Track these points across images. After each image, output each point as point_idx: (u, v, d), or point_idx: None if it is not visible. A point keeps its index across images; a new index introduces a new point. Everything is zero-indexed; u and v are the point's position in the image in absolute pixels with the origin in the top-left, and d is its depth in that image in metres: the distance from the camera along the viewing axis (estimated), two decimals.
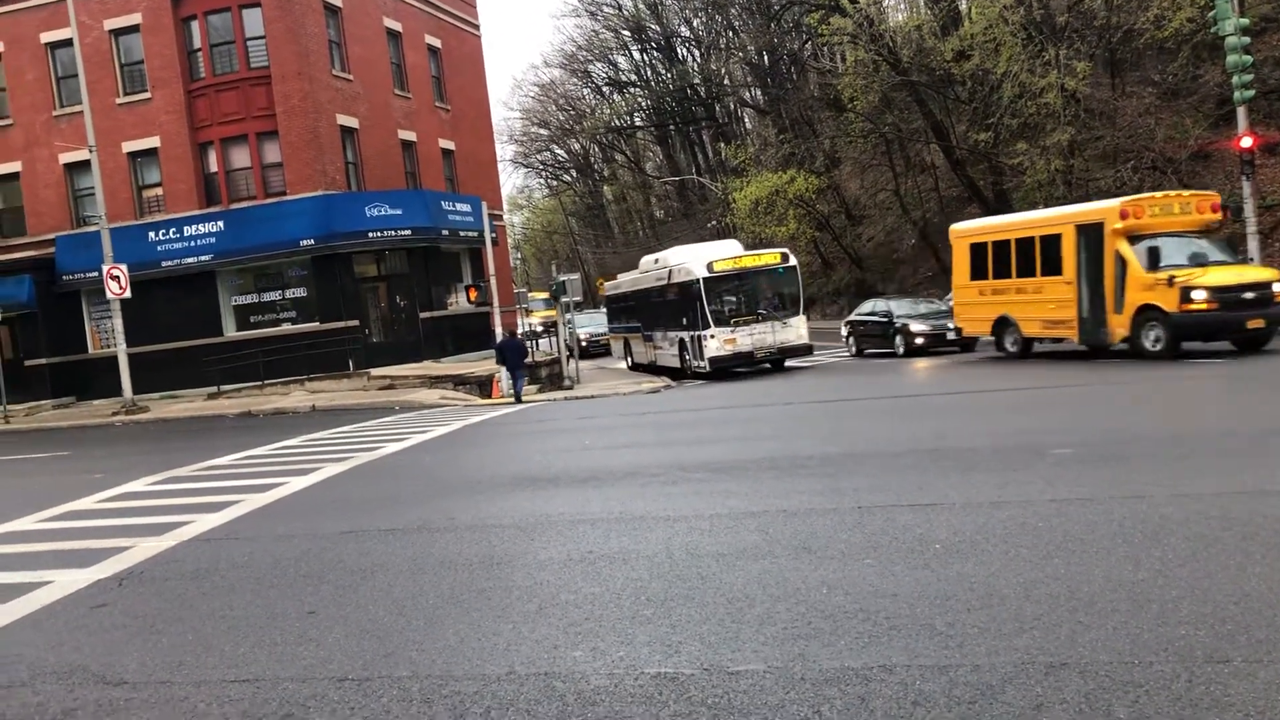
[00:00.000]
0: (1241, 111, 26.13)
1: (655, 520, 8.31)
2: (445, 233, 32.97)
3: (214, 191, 31.97)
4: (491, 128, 45.75)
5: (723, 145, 64.79)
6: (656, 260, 31.45)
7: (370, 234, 30.91)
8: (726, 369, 26.28)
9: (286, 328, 31.64)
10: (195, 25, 31.65)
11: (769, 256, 27.13)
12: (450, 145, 38.60)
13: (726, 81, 69.64)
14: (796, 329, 26.25)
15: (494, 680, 4.97)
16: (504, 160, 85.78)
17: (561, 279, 31.63)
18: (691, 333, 26.65)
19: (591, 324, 44.58)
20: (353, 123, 32.74)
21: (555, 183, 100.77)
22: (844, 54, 46.99)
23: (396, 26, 35.85)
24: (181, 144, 31.79)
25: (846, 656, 4.84)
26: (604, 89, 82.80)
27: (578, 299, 32.68)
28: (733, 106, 71.86)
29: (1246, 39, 26.06)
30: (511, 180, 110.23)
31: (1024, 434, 11.57)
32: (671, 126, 76.99)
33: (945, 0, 40.77)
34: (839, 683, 4.54)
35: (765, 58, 59.96)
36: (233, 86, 31.49)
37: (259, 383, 30.53)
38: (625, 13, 73.34)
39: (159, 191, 32.47)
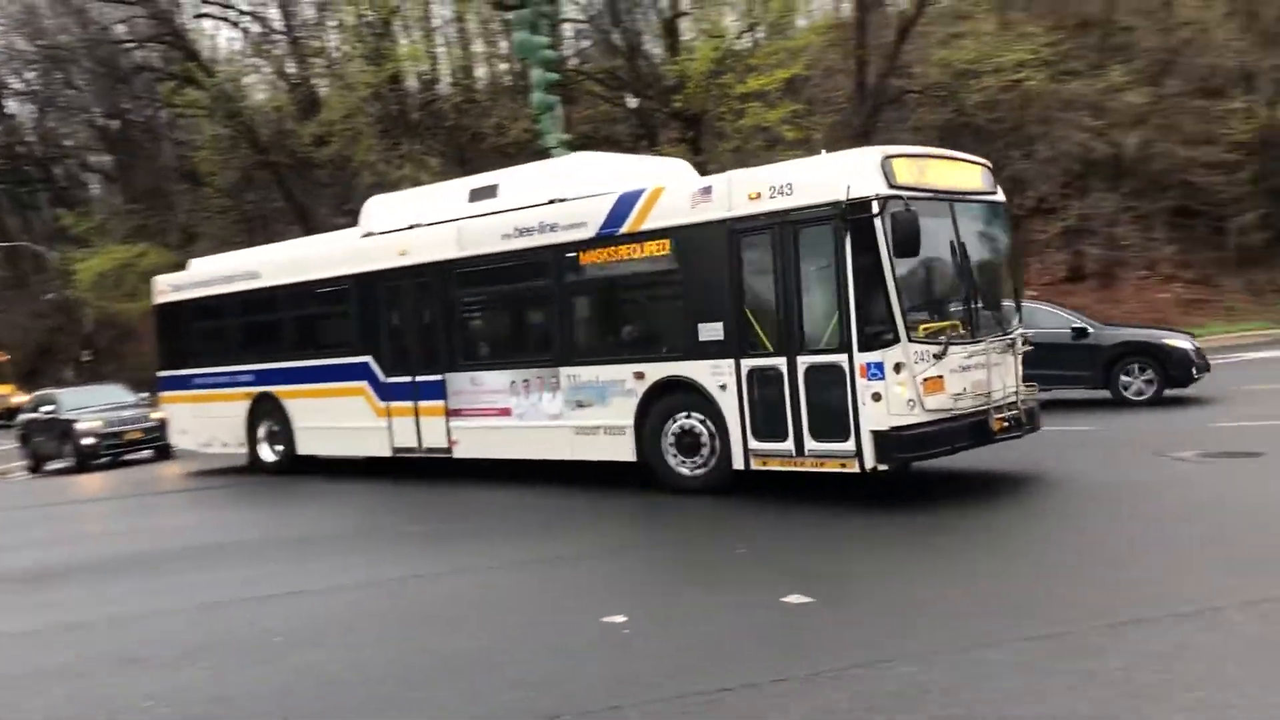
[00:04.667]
0: None
1: None
2: None
3: None
4: None
5: (63, 211, 58.55)
6: (546, 173, 13.51)
7: None
8: (916, 458, 9.86)
9: None
10: None
11: (968, 167, 10.63)
12: None
13: (70, 143, 63.37)
14: (1019, 359, 10.61)
15: None
16: None
17: None
18: (784, 360, 9.67)
19: (97, 404, 21.39)
20: None
21: None
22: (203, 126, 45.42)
23: None
24: None
25: None
26: None
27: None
28: (75, 170, 65.44)
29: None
30: None
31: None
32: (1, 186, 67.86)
33: (304, 87, 41.27)
34: None
35: (116, 122, 55.69)
36: None
37: None
38: None
39: None
